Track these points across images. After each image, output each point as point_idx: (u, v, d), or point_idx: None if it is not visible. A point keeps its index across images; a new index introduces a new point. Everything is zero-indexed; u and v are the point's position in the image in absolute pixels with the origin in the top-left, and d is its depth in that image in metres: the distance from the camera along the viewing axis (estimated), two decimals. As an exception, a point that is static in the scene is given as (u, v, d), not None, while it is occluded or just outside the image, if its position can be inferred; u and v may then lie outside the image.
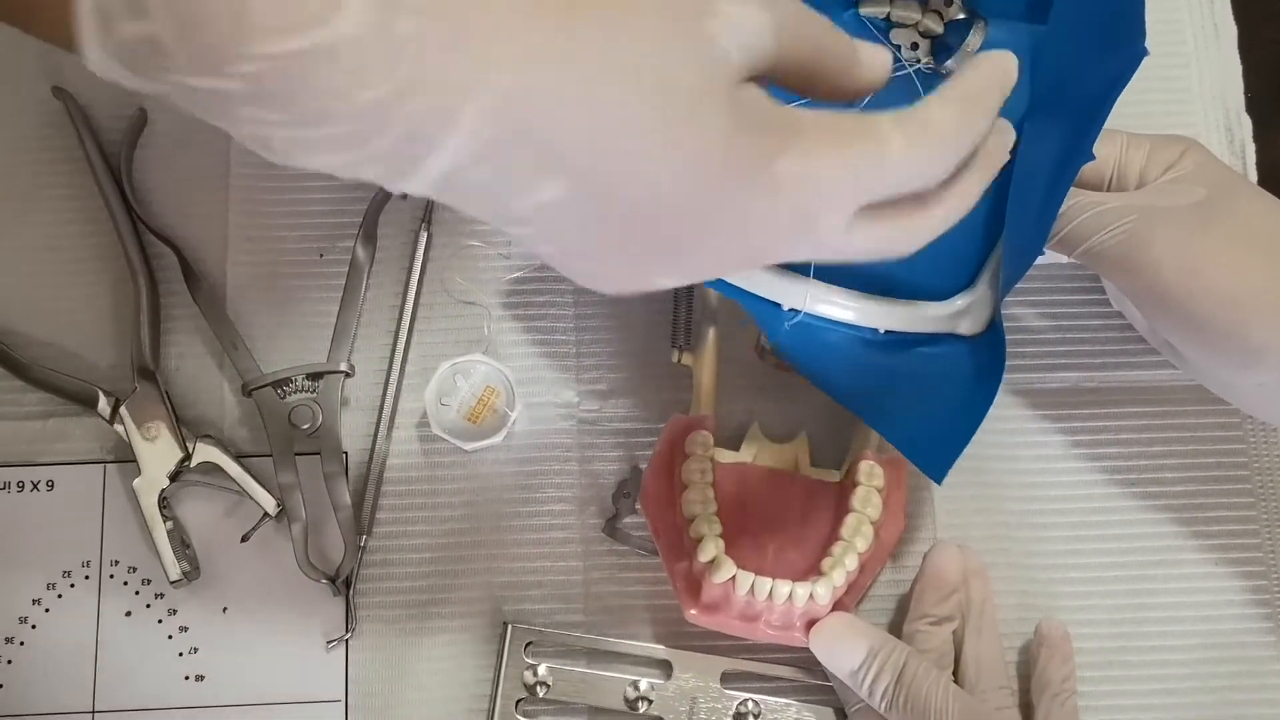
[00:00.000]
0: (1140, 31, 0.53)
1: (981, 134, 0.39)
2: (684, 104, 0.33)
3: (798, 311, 0.54)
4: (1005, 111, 0.56)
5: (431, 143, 0.32)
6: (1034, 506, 0.60)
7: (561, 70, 0.32)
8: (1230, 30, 0.66)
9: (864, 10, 0.56)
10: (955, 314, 0.54)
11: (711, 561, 0.53)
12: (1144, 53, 0.53)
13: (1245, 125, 0.65)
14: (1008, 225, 0.52)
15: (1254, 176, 0.64)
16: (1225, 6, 0.66)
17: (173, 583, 0.57)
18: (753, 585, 0.52)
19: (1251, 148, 0.65)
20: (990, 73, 0.39)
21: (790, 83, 0.38)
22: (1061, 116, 0.53)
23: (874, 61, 0.39)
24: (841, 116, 0.36)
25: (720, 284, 0.54)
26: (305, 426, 0.59)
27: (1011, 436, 0.61)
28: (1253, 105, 0.65)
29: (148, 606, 0.58)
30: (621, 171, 0.34)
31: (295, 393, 0.59)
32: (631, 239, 0.36)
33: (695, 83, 0.34)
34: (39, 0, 0.33)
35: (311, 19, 0.30)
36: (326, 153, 0.33)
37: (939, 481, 0.51)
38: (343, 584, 0.58)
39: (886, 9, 0.56)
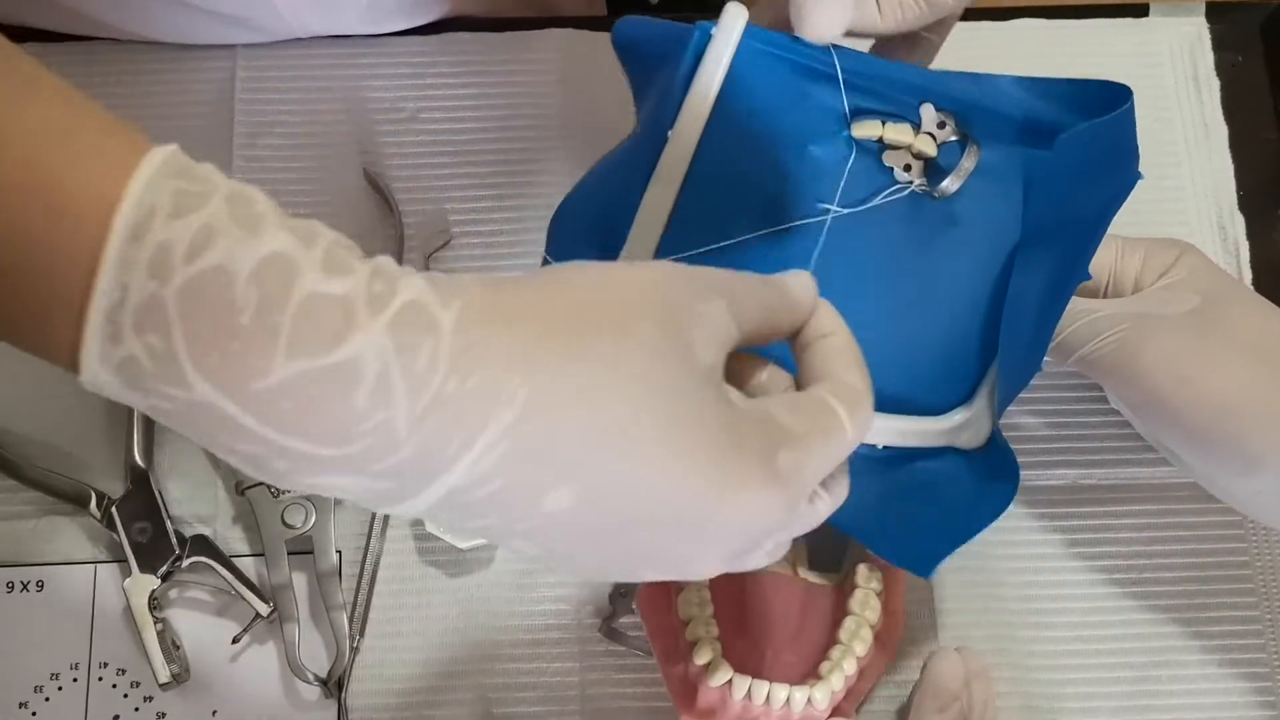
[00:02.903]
0: (1134, 157, 0.54)
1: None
2: (686, 410, 0.34)
3: None
4: (1002, 234, 0.57)
5: (446, 460, 0.32)
6: (1035, 606, 0.60)
7: (575, 382, 0.33)
8: (1221, 128, 0.67)
9: (857, 133, 0.56)
10: (954, 429, 0.54)
11: (708, 664, 0.52)
12: (1138, 177, 0.53)
13: (1238, 223, 0.65)
14: (1001, 348, 0.53)
15: (1248, 273, 0.65)
16: (1215, 105, 0.67)
17: (162, 685, 0.56)
18: (750, 689, 0.52)
19: (1245, 245, 0.65)
20: (848, 331, 0.41)
21: (754, 341, 0.39)
22: (1055, 241, 0.53)
23: (804, 290, 0.40)
24: (796, 399, 0.38)
25: None
26: (298, 525, 0.58)
27: (1011, 534, 0.61)
28: (1245, 202, 0.66)
29: (136, 710, 0.58)
30: (631, 479, 0.34)
31: (289, 492, 0.59)
32: (631, 548, 0.36)
33: (693, 390, 0.35)
34: (32, 305, 0.33)
35: (331, 337, 0.31)
36: (333, 474, 0.32)
37: (926, 576, 0.50)
38: (335, 686, 0.57)
39: (879, 131, 0.56)
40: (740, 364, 0.41)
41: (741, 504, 0.35)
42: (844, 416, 0.38)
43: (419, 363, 0.31)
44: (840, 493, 0.40)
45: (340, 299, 0.31)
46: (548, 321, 0.33)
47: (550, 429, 0.33)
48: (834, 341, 0.40)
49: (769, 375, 0.41)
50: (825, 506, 0.39)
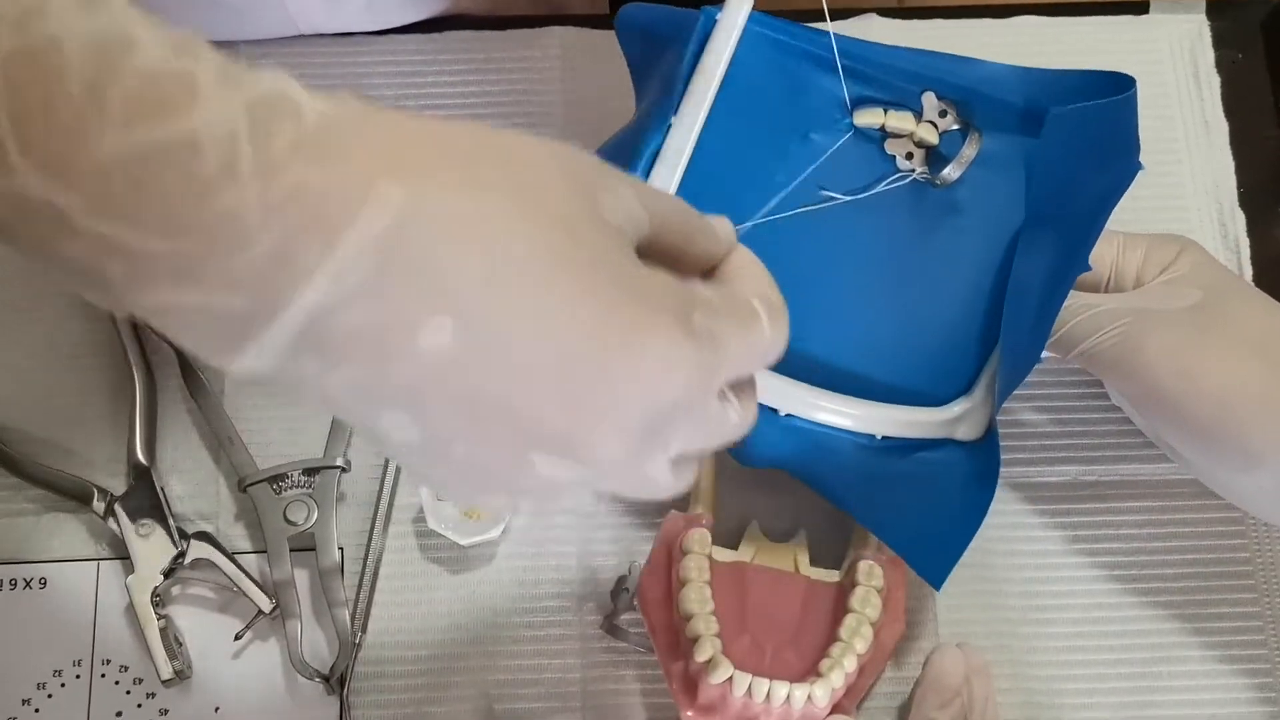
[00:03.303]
0: (1134, 147, 0.54)
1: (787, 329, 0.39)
2: (591, 255, 0.31)
3: (793, 416, 0.54)
4: (1003, 223, 0.57)
5: (305, 268, 0.28)
6: (1035, 603, 0.60)
7: (463, 203, 0.29)
8: (1221, 125, 0.67)
9: (859, 120, 0.56)
10: (953, 420, 0.54)
11: (708, 661, 0.52)
12: (1138, 167, 0.53)
13: (1239, 220, 0.65)
14: (1003, 336, 0.53)
15: (1249, 270, 0.65)
16: (1216, 102, 0.67)
17: (164, 682, 0.57)
18: (750, 686, 0.52)
19: (1246, 242, 0.65)
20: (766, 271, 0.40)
21: (659, 262, 0.37)
22: (1056, 228, 0.53)
23: (725, 232, 0.39)
24: (723, 290, 0.37)
25: None
26: (301, 522, 0.59)
27: (1012, 531, 0.61)
28: (1246, 200, 0.66)
29: (139, 706, 0.58)
30: (521, 317, 0.30)
31: (291, 488, 0.59)
32: (517, 417, 0.31)
33: (599, 240, 0.32)
34: None
35: (170, 106, 0.27)
36: (170, 285, 0.28)
37: (937, 587, 0.50)
38: (337, 682, 0.57)
39: (881, 119, 0.57)
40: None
41: (647, 354, 0.31)
42: (764, 317, 0.36)
43: (275, 145, 0.28)
44: (751, 411, 0.37)
45: (187, 73, 0.28)
46: (442, 144, 0.30)
47: (430, 248, 0.29)
48: (755, 271, 0.39)
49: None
50: (736, 417, 0.36)
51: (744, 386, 0.37)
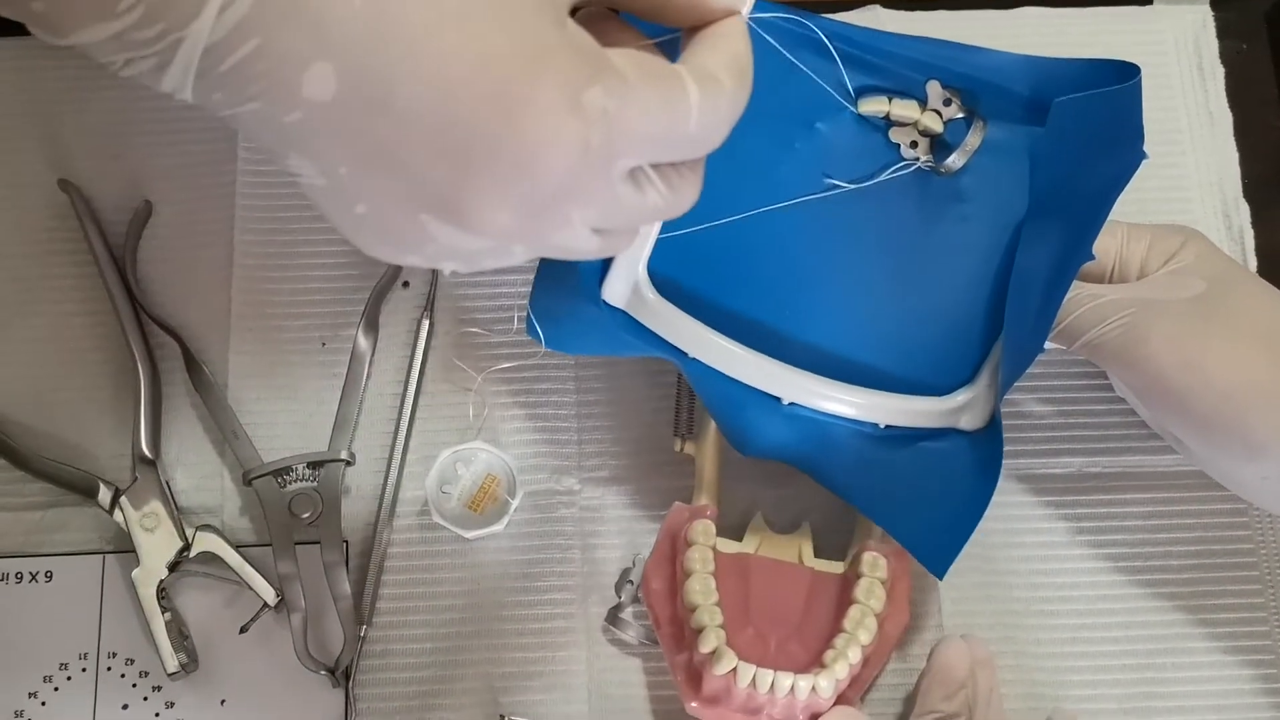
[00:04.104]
0: (1139, 135, 0.54)
1: (742, 109, 0.37)
2: (487, 10, 0.30)
3: (796, 404, 0.54)
4: (1007, 211, 0.57)
5: (191, 6, 0.29)
6: (1040, 594, 0.60)
7: None
8: (1226, 117, 0.67)
9: (863, 109, 0.57)
10: (956, 409, 0.54)
11: (713, 652, 0.52)
12: (1143, 156, 0.53)
13: (1243, 211, 0.65)
14: (1007, 325, 0.53)
15: (1253, 261, 0.65)
16: (1220, 93, 0.67)
17: (170, 675, 0.57)
18: (754, 677, 0.52)
19: (1250, 233, 0.65)
20: (747, 45, 0.37)
21: (634, 8, 0.36)
22: (1061, 217, 0.53)
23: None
24: (646, 58, 0.34)
25: (713, 380, 0.54)
26: (305, 515, 0.59)
27: (1017, 523, 0.61)
28: (1250, 190, 0.66)
29: (145, 699, 0.58)
30: (400, 69, 0.30)
31: (296, 481, 0.59)
32: (404, 167, 0.32)
33: None
34: None
35: None
36: (90, 18, 0.29)
37: (940, 577, 0.50)
38: (342, 675, 0.57)
39: (886, 108, 0.57)
40: (615, 32, 0.37)
41: (526, 126, 0.31)
42: (692, 90, 0.34)
43: None
44: (686, 193, 0.36)
45: None
46: None
47: None
48: (729, 44, 0.36)
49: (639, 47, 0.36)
50: (656, 198, 0.35)
51: (677, 168, 0.36)
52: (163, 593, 0.58)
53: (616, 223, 0.35)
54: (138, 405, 0.60)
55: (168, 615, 0.57)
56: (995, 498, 0.53)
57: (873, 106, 0.56)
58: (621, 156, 0.34)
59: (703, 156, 0.37)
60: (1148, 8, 0.69)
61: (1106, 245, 0.56)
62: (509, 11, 0.31)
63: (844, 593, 0.56)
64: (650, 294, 0.55)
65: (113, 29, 0.30)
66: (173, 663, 0.57)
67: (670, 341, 0.55)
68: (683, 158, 0.36)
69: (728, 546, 0.57)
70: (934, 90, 0.57)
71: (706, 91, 0.35)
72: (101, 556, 0.59)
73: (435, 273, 0.62)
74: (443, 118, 0.31)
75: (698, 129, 0.35)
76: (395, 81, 0.30)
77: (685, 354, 0.55)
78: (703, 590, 0.54)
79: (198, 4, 0.29)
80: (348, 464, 0.60)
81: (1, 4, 0.30)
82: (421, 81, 0.30)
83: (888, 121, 0.57)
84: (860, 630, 0.54)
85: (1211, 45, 0.68)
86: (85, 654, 0.58)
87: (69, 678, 0.58)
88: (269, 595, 0.58)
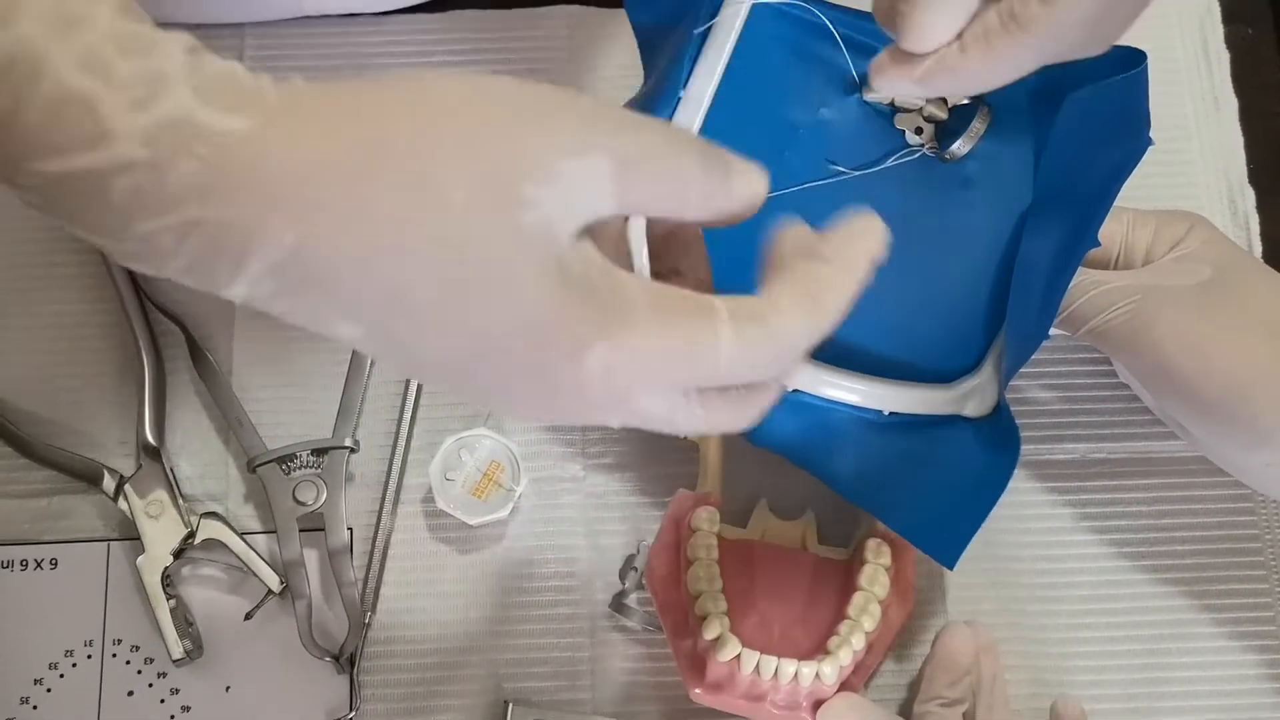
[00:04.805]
0: (1145, 123, 0.54)
1: (824, 333, 0.35)
2: (486, 277, 0.32)
3: (799, 392, 0.54)
4: (1012, 198, 0.56)
5: (221, 280, 0.32)
6: (1045, 580, 0.60)
7: (347, 232, 0.31)
8: (1231, 102, 0.67)
9: (868, 96, 0.56)
10: (961, 396, 0.54)
11: (716, 639, 0.52)
12: (1149, 143, 0.53)
13: (1248, 196, 0.65)
14: (1010, 313, 0.53)
15: (1258, 247, 0.64)
16: (1225, 79, 0.67)
17: (175, 661, 0.57)
18: (758, 664, 0.52)
19: (1255, 218, 0.65)
20: (856, 264, 0.36)
21: (650, 214, 0.36)
22: (1065, 205, 0.53)
23: (747, 186, 0.36)
24: (673, 295, 0.34)
25: None
26: (310, 502, 0.59)
27: (1021, 509, 0.60)
28: (1255, 176, 0.65)
29: (150, 686, 0.58)
30: (411, 333, 0.32)
31: (300, 468, 0.59)
32: (438, 380, 0.35)
33: (503, 256, 0.32)
34: None
35: (83, 143, 0.30)
36: (132, 261, 0.32)
37: (950, 567, 0.50)
38: (347, 661, 0.58)
39: (891, 94, 0.56)
40: (681, 255, 0.38)
41: (528, 402, 0.34)
42: (723, 333, 0.33)
43: (171, 181, 0.30)
44: (719, 415, 0.35)
45: (90, 100, 0.30)
46: (343, 150, 0.31)
47: (325, 278, 0.31)
48: (803, 258, 0.35)
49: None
50: (699, 422, 0.35)
51: (725, 393, 0.35)
52: (167, 580, 0.58)
53: (660, 429, 0.36)
54: (142, 393, 0.60)
55: (173, 602, 0.57)
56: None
57: (877, 93, 0.56)
58: (642, 396, 0.34)
59: (768, 383, 0.36)
60: (1153, -8, 0.69)
61: (1112, 231, 0.56)
62: (507, 280, 0.32)
63: (848, 580, 0.56)
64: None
65: (152, 268, 0.33)
66: (178, 649, 0.57)
67: None
68: (730, 384, 0.35)
69: (732, 533, 0.57)
70: (939, 76, 0.57)
71: (742, 334, 0.33)
72: (106, 544, 0.60)
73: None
74: (457, 376, 0.34)
75: (729, 370, 0.34)
76: (411, 345, 0.33)
77: None
78: (707, 577, 0.54)
79: (229, 277, 0.32)
80: (352, 451, 0.60)
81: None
82: (431, 349, 0.33)
83: (892, 108, 0.57)
84: (864, 617, 0.54)
85: (1217, 29, 0.68)
86: (90, 641, 0.58)
87: (74, 665, 0.58)
88: (273, 582, 0.58)
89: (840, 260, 0.36)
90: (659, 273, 0.37)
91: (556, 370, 0.33)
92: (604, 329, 0.33)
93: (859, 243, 0.37)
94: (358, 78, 0.33)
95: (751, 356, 0.34)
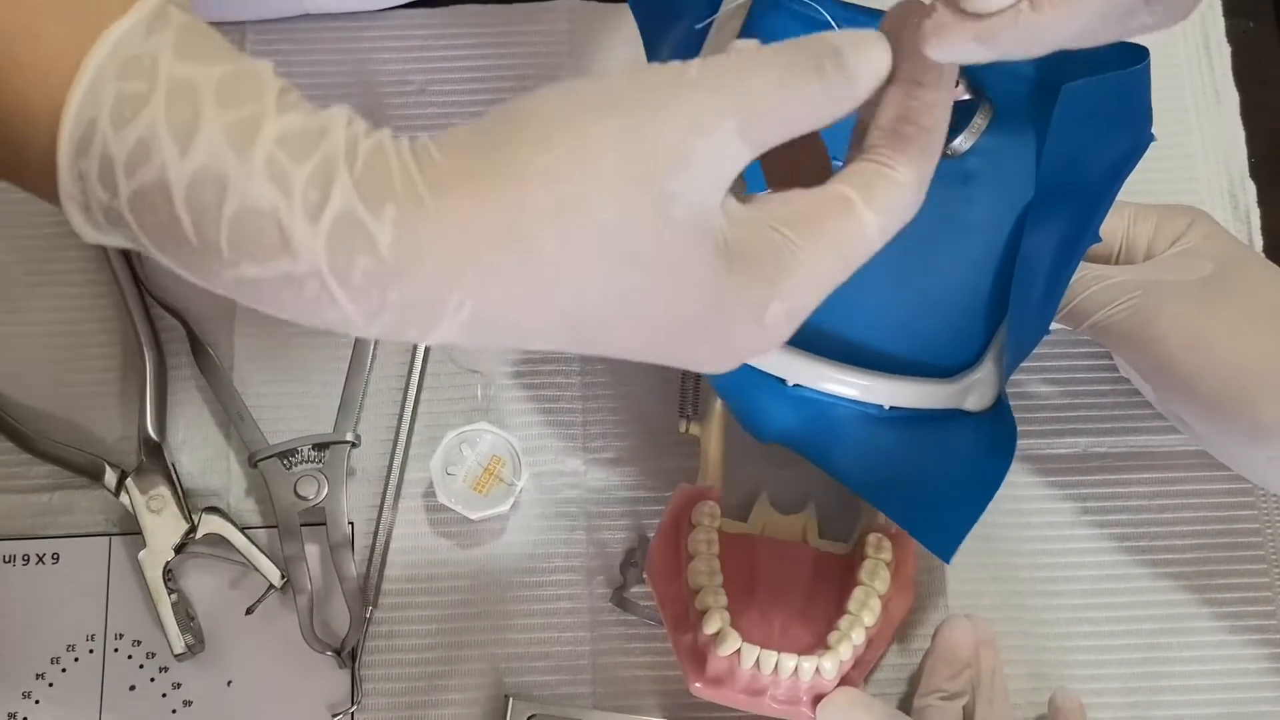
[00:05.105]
0: (1147, 118, 0.54)
1: (933, 166, 0.37)
2: (658, 278, 0.34)
3: (801, 386, 0.54)
4: (1014, 193, 0.56)
5: (412, 338, 0.35)
6: (1045, 574, 0.60)
7: (519, 284, 0.33)
8: (1232, 96, 0.66)
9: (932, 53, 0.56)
10: (961, 390, 0.54)
11: (717, 633, 0.52)
12: (1151, 139, 0.53)
13: (1249, 190, 0.65)
14: (1012, 308, 0.53)
15: (1259, 241, 0.64)
16: (1226, 73, 0.67)
17: (177, 656, 0.57)
18: (758, 658, 0.52)
19: (1256, 212, 0.65)
20: (943, 113, 0.37)
21: (784, 139, 0.36)
22: (1067, 200, 0.53)
23: (867, 65, 0.35)
24: (811, 210, 0.35)
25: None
26: (311, 497, 0.59)
27: (1021, 503, 0.61)
28: (1256, 170, 0.65)
29: (152, 680, 0.58)
30: (601, 339, 0.35)
31: (301, 463, 0.59)
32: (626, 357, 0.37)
33: (668, 254, 0.34)
34: (27, 185, 0.35)
35: (270, 253, 0.32)
36: (322, 325, 0.35)
37: (947, 560, 0.50)
38: (348, 656, 0.58)
39: (949, 58, 0.56)
40: (805, 157, 0.39)
41: (713, 360, 0.36)
42: (870, 222, 0.35)
43: (354, 278, 0.33)
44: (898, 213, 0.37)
45: (271, 213, 0.32)
46: (494, 213, 0.33)
47: (510, 324, 0.34)
48: (906, 97, 0.36)
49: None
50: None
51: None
52: (169, 574, 0.58)
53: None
54: (143, 388, 0.60)
55: (174, 597, 0.58)
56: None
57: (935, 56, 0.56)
58: (814, 305, 0.36)
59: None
60: (1154, -14, 0.69)
61: (1113, 226, 0.56)
62: (678, 272, 0.34)
63: (848, 574, 0.56)
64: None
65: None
66: (179, 644, 0.57)
67: None
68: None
69: (732, 528, 0.57)
70: (940, 71, 0.57)
71: (881, 209, 0.36)
72: (108, 539, 0.60)
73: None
74: (645, 356, 0.36)
75: (882, 241, 0.36)
76: (602, 346, 0.36)
77: None
78: (707, 571, 0.54)
79: (420, 336, 0.34)
80: (353, 446, 0.60)
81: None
82: (619, 346, 0.36)
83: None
84: (864, 612, 0.54)
85: (1218, 23, 0.68)
86: (92, 636, 0.59)
87: (76, 659, 0.58)
88: (275, 577, 0.58)
89: (936, 110, 0.37)
90: (781, 182, 0.38)
91: (741, 331, 0.35)
92: (774, 284, 0.35)
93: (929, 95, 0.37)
94: (473, 125, 0.34)
95: (895, 220, 0.36)
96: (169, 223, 0.32)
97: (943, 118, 0.37)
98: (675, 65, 0.34)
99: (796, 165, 0.39)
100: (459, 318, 0.33)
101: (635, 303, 0.34)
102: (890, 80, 0.36)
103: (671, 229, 0.33)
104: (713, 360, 0.37)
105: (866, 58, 0.35)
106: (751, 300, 0.35)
